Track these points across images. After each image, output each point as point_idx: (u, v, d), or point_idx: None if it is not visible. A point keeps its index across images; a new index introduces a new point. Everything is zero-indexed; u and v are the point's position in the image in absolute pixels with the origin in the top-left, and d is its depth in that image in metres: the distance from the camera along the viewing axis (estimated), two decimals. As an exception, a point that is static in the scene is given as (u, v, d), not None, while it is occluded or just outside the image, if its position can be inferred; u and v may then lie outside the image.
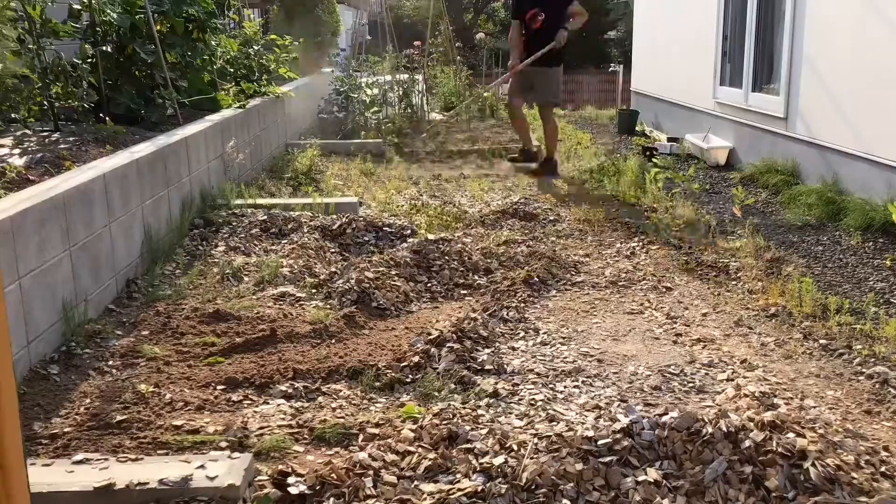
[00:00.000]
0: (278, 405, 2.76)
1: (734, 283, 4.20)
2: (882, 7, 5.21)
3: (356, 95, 9.38)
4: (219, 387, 2.83)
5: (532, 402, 2.84)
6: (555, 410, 2.74)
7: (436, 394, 2.88)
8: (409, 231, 4.90)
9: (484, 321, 3.56)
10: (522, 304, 3.90)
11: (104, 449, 2.40)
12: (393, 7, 18.51)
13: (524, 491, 2.18)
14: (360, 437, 2.55)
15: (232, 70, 7.19)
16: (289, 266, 4.08)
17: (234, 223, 4.76)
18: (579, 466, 2.25)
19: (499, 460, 2.28)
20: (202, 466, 2.22)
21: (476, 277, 4.24)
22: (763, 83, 7.19)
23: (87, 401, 2.72)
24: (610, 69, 15.32)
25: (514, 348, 3.40)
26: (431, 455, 2.34)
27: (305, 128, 9.08)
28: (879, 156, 5.20)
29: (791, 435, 2.32)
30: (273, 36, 8.26)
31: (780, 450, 2.26)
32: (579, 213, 5.56)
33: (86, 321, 3.33)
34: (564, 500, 2.16)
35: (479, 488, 2.18)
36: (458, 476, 2.26)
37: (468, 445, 2.40)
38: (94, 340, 3.24)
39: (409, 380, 3.00)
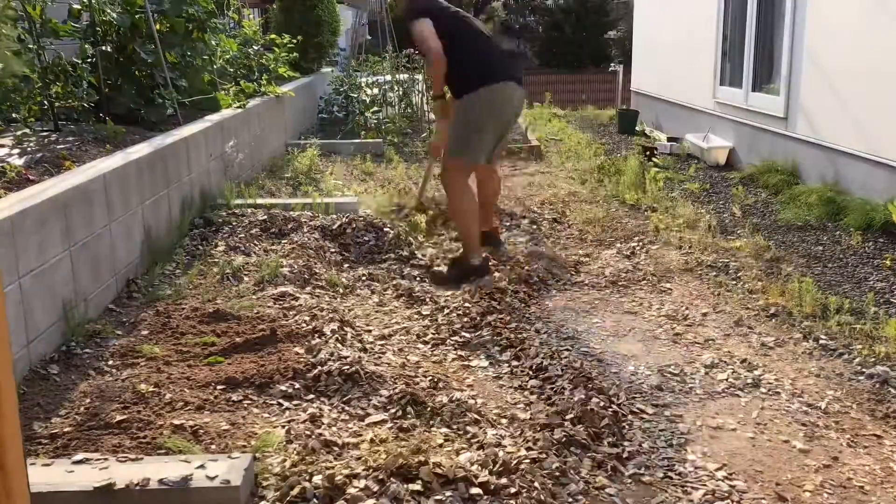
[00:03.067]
0: (279, 404, 2.76)
1: (734, 283, 4.20)
2: (887, 1, 5.19)
3: (356, 95, 9.38)
4: (219, 387, 2.83)
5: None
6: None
7: (436, 394, 2.88)
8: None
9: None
10: (522, 304, 3.91)
11: (104, 449, 2.39)
12: (393, 7, 18.49)
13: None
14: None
15: (232, 70, 7.18)
16: (289, 266, 4.08)
17: (234, 223, 4.76)
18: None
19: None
20: (202, 466, 2.22)
21: (476, 277, 4.24)
22: (763, 83, 7.19)
23: (87, 401, 2.71)
24: (610, 69, 15.32)
25: (513, 344, 3.40)
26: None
27: (305, 128, 9.08)
28: (881, 156, 5.20)
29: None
30: (273, 36, 8.27)
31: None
32: (579, 213, 5.56)
33: (86, 321, 3.33)
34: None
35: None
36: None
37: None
38: (94, 340, 3.24)
39: (409, 380, 3.00)
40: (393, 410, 2.72)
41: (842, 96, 5.72)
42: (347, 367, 2.93)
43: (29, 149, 4.05)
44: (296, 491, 2.19)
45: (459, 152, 4.32)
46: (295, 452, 2.38)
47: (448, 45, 4.18)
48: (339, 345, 3.15)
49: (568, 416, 2.63)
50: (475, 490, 2.20)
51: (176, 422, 2.54)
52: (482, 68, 4.27)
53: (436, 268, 4.38)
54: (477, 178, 4.56)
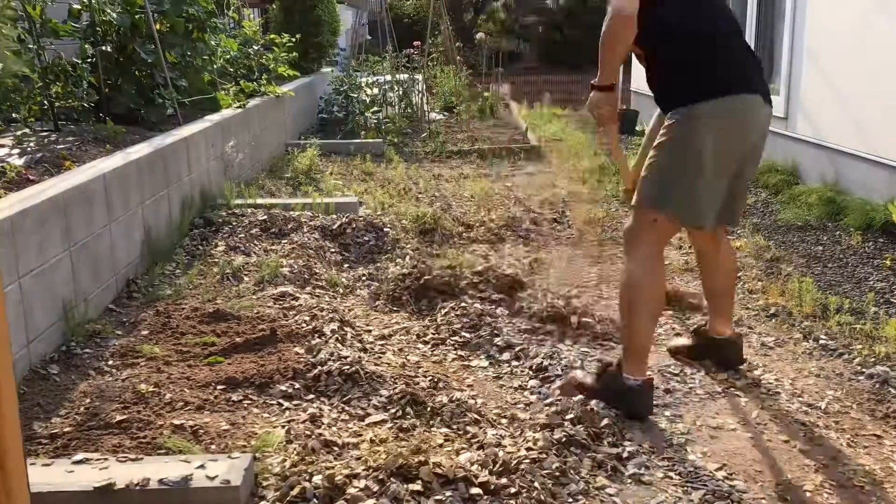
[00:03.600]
0: (279, 404, 2.76)
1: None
2: (887, 1, 5.18)
3: (356, 95, 9.38)
4: (219, 387, 2.83)
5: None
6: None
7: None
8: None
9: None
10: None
11: (104, 449, 2.39)
12: (393, 7, 18.51)
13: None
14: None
15: (232, 70, 7.19)
16: (289, 266, 4.08)
17: (234, 223, 4.76)
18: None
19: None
20: (202, 466, 2.22)
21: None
22: (763, 83, 7.18)
23: (87, 401, 2.72)
24: (610, 69, 15.29)
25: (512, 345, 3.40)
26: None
27: (305, 128, 9.08)
28: (881, 156, 5.20)
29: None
30: (272, 36, 8.27)
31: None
32: (579, 213, 5.56)
33: (86, 321, 3.33)
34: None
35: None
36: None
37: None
38: (94, 340, 3.24)
39: (409, 379, 3.00)
40: (393, 410, 2.72)
41: (842, 96, 5.72)
42: (347, 367, 2.93)
43: (29, 149, 4.05)
44: (296, 491, 2.19)
45: (658, 201, 2.73)
46: (295, 452, 2.38)
47: (660, 16, 2.65)
48: (339, 345, 3.15)
49: (568, 416, 2.63)
50: (475, 490, 2.20)
51: (176, 422, 2.54)
52: (718, 67, 2.72)
53: (577, 373, 2.94)
54: (696, 248, 3.19)
